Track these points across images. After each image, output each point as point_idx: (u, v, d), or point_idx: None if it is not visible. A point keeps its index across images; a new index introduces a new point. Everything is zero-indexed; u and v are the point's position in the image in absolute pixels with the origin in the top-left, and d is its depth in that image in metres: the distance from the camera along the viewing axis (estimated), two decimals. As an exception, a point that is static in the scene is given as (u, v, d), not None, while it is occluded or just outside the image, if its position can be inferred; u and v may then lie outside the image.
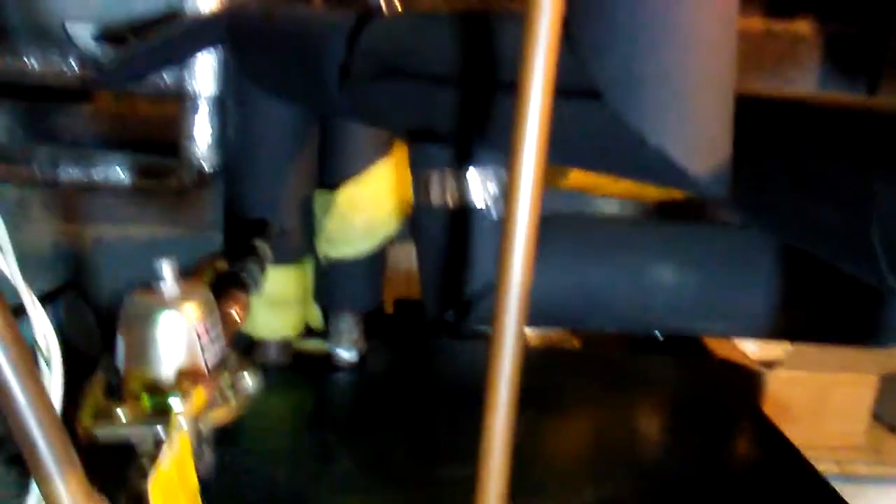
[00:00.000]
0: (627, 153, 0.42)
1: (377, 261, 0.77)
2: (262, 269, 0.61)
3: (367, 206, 0.73)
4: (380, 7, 0.60)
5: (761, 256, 0.54)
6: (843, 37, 1.33)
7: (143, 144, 0.86)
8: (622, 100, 0.41)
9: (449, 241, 0.53)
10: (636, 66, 0.41)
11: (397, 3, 0.60)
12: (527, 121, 0.38)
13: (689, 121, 0.41)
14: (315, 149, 0.73)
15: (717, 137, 0.42)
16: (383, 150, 0.72)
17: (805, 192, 0.41)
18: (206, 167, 0.72)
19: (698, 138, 0.41)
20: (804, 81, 1.36)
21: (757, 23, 1.33)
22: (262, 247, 0.65)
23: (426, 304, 0.55)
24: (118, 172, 0.72)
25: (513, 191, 0.36)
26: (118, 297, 1.30)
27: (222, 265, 0.63)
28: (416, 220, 0.55)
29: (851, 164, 0.37)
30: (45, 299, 1.24)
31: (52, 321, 1.16)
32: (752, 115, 0.47)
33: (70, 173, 0.71)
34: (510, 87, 0.47)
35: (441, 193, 0.52)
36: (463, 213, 0.52)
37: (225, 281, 0.58)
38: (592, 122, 0.43)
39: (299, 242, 0.75)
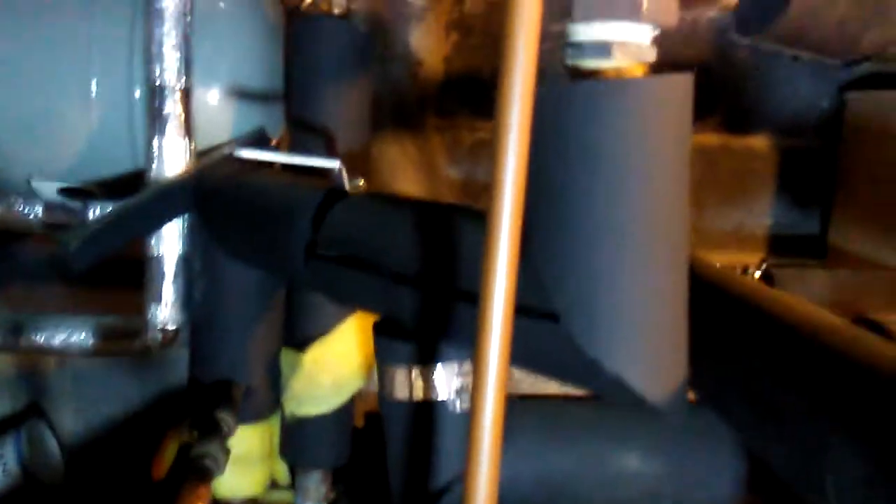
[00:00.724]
0: (585, 373, 0.43)
1: (345, 416, 0.76)
2: (225, 451, 0.60)
3: (335, 366, 0.73)
4: (343, 184, 0.61)
5: (725, 440, 0.55)
6: (797, 151, 1.38)
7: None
8: (579, 326, 0.42)
9: (414, 433, 0.53)
10: (593, 294, 0.42)
11: (362, 183, 0.62)
12: (489, 335, 0.39)
13: (645, 348, 0.42)
14: (282, 307, 0.73)
15: (674, 362, 0.43)
16: (349, 308, 0.73)
17: (763, 417, 0.42)
18: (171, 328, 0.72)
19: (656, 364, 0.42)
20: (760, 196, 1.40)
21: (713, 138, 1.37)
22: (226, 419, 0.64)
23: (393, 494, 0.54)
24: (81, 336, 0.71)
25: (478, 392, 0.35)
26: (83, 421, 1.26)
27: (186, 438, 0.62)
28: (382, 411, 0.55)
29: (810, 406, 0.38)
30: (8, 423, 1.21)
31: (14, 452, 1.13)
32: (716, 314, 0.48)
33: (31, 340, 0.70)
34: (471, 295, 0.48)
35: (407, 388, 0.52)
36: (428, 407, 0.52)
37: (187, 467, 0.57)
38: (550, 341, 0.43)
39: (266, 400, 0.74)
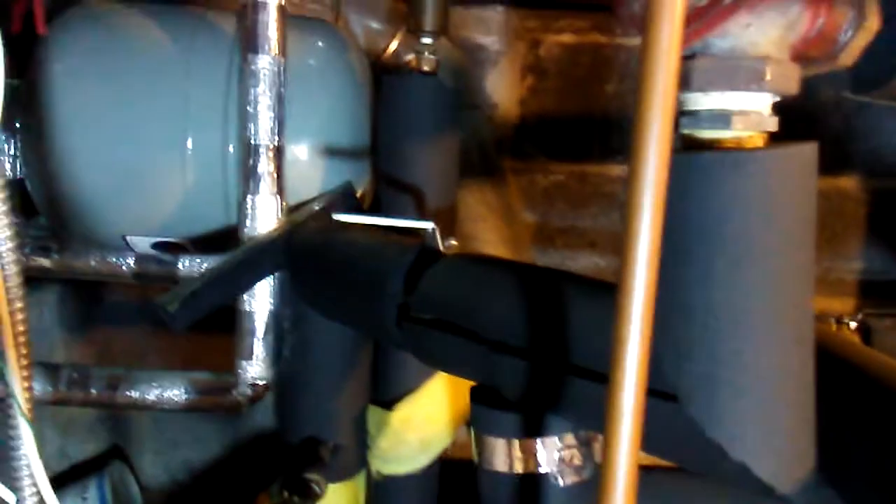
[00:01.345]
0: (708, 458, 0.41)
1: (431, 474, 0.75)
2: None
3: (422, 425, 0.72)
4: (436, 245, 0.60)
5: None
6: (888, 192, 1.32)
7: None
8: (701, 410, 0.40)
9: (514, 506, 0.51)
10: (715, 377, 0.40)
11: (454, 243, 0.61)
12: (621, 413, 0.37)
13: (770, 433, 0.40)
14: (368, 364, 0.73)
15: (801, 446, 0.40)
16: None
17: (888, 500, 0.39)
18: (261, 384, 0.72)
19: (782, 450, 0.40)
20: (850, 239, 1.34)
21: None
22: (317, 480, 0.64)
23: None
24: (175, 393, 0.72)
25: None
26: (161, 464, 1.27)
27: (278, 499, 0.62)
28: (479, 479, 0.53)
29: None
30: (91, 466, 1.23)
31: (98, 496, 1.13)
32: (842, 388, 0.46)
33: (127, 396, 0.71)
34: (579, 369, 0.47)
35: (507, 460, 0.51)
36: (529, 480, 0.51)
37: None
38: (672, 424, 0.41)
39: (352, 458, 0.74)
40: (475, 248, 1.00)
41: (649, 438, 0.44)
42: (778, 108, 0.42)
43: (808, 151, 0.40)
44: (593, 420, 0.48)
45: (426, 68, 0.71)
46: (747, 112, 0.40)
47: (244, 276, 0.69)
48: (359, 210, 0.77)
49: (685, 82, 0.40)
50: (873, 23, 0.48)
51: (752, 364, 0.39)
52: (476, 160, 1.11)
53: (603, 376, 0.45)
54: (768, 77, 0.39)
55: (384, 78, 0.73)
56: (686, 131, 0.42)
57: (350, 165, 0.77)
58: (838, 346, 0.49)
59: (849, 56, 0.48)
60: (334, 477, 0.71)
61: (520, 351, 0.48)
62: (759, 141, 0.41)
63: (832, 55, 0.48)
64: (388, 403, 0.72)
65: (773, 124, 0.41)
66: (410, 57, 0.75)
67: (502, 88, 1.31)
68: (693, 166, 0.40)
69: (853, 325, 1.04)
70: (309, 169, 0.76)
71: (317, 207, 0.72)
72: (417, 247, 0.60)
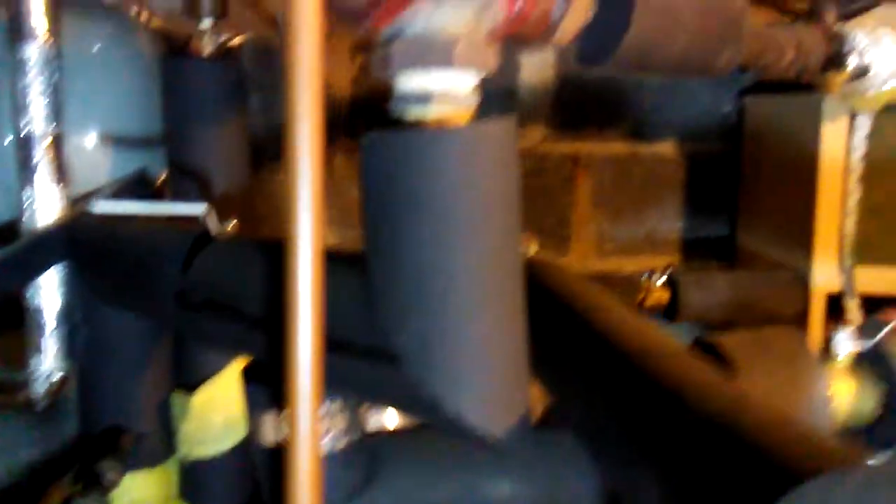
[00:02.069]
0: (428, 411, 0.44)
1: (241, 455, 0.76)
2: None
3: (225, 406, 0.72)
4: (209, 228, 0.61)
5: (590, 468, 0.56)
6: (702, 156, 1.42)
7: None
8: (418, 367, 0.43)
9: (283, 478, 0.53)
10: (429, 337, 0.42)
11: (231, 225, 0.62)
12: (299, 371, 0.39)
13: (482, 386, 0.43)
14: (169, 351, 0.73)
15: (514, 396, 0.44)
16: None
17: (592, 439, 0.43)
18: (55, 379, 0.71)
19: (494, 401, 0.43)
20: (670, 201, 1.43)
21: (622, 147, 1.41)
22: (109, 470, 0.64)
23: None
24: (-39, 393, 0.70)
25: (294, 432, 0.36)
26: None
27: (68, 491, 0.62)
28: (256, 458, 0.55)
29: (620, 430, 0.39)
30: None
31: None
32: (564, 333, 0.50)
33: None
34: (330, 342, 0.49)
35: (274, 433, 0.52)
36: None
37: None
38: (394, 380, 0.44)
39: (160, 445, 0.74)
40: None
41: (377, 395, 0.47)
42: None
43: (504, 126, 0.43)
44: (348, 388, 0.50)
45: (206, 52, 0.71)
46: (446, 92, 0.43)
47: (22, 269, 0.67)
48: (155, 197, 0.76)
49: (386, 65, 0.43)
50: (583, 3, 0.52)
51: (462, 322, 0.43)
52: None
53: (351, 346, 0.48)
54: (458, 56, 0.41)
55: (163, 63, 0.73)
56: (397, 113, 0.44)
57: (142, 153, 0.77)
58: (566, 288, 0.54)
59: (564, 35, 0.52)
60: (142, 464, 0.71)
61: (268, 323, 0.50)
62: (463, 118, 0.44)
63: (547, 35, 0.51)
64: (192, 387, 0.73)
65: (473, 101, 0.44)
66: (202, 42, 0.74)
67: (333, 68, 1.31)
68: (397, 144, 0.42)
69: (660, 281, 1.11)
70: (96, 157, 0.75)
71: (105, 196, 0.72)
72: (194, 232, 0.61)
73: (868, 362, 0.68)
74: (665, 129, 1.42)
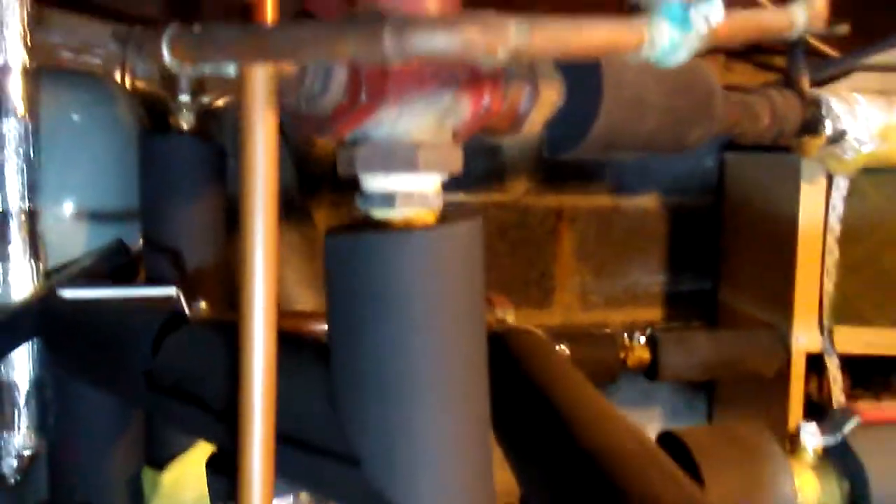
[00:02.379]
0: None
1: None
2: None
3: (196, 483, 0.72)
4: (183, 309, 0.61)
5: None
6: (685, 209, 1.43)
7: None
8: (378, 472, 0.42)
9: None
10: (390, 441, 0.42)
11: (203, 306, 0.62)
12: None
13: (444, 491, 0.43)
14: (140, 426, 0.72)
15: (478, 500, 0.44)
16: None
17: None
18: (26, 454, 0.70)
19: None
20: (653, 253, 1.44)
21: (605, 200, 1.42)
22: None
23: None
24: (-72, 471, 0.69)
25: None
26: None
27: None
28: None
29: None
30: None
31: None
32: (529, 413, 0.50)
33: None
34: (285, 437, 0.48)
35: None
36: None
37: None
38: (354, 484, 0.44)
39: (129, 521, 0.73)
40: (280, 290, 1.00)
41: (341, 495, 0.46)
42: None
43: (469, 227, 0.44)
44: (309, 485, 0.50)
45: (185, 127, 0.71)
46: (411, 193, 0.43)
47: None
48: (130, 268, 0.76)
49: (351, 166, 0.43)
50: (551, 95, 0.52)
51: (424, 429, 0.42)
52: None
53: (313, 442, 0.47)
54: (420, 163, 0.42)
55: (141, 138, 0.73)
56: (363, 211, 0.44)
57: (119, 223, 0.77)
58: (539, 374, 0.54)
59: (532, 125, 0.52)
60: (111, 541, 0.70)
61: (229, 415, 0.50)
62: (429, 218, 0.44)
63: (516, 127, 0.52)
64: (163, 464, 0.72)
65: (438, 202, 0.44)
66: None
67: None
68: (360, 245, 0.42)
69: (642, 339, 1.11)
70: (71, 229, 0.75)
71: (80, 268, 0.71)
72: (164, 313, 0.60)
73: (834, 458, 0.68)
74: (647, 182, 1.43)
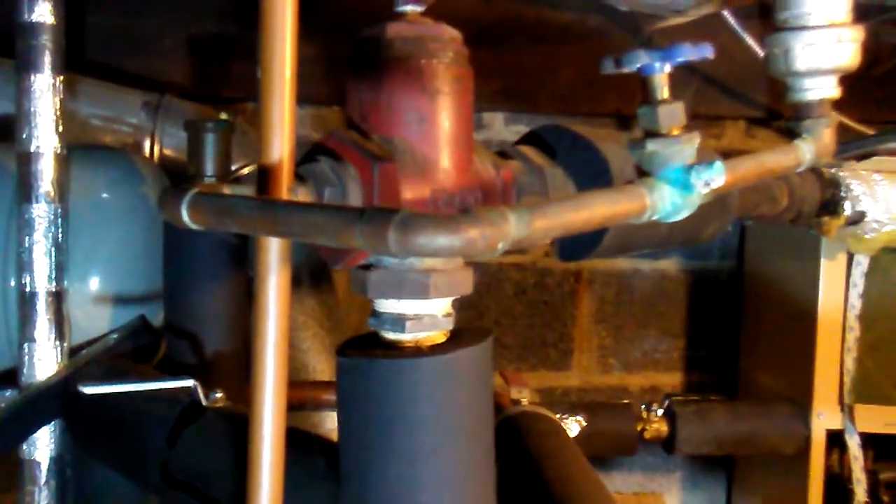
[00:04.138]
0: None
1: None
2: None
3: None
4: (200, 399, 0.62)
5: None
6: (705, 274, 1.43)
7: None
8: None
9: None
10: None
11: (220, 395, 0.63)
12: None
13: None
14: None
15: None
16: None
17: None
18: (45, 531, 0.71)
19: None
20: (673, 317, 1.43)
21: (625, 263, 1.42)
22: None
23: None
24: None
25: None
26: None
27: None
28: None
29: None
30: None
31: None
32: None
33: None
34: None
35: None
36: None
37: None
38: None
39: None
40: (297, 357, 1.01)
41: None
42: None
43: (477, 351, 0.44)
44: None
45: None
46: (421, 316, 0.44)
47: (20, 426, 0.68)
48: (153, 344, 0.78)
49: (363, 290, 0.44)
50: (563, 208, 0.53)
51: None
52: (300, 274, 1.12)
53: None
54: (431, 291, 0.43)
55: (165, 223, 0.75)
56: (376, 330, 0.45)
57: (144, 301, 0.78)
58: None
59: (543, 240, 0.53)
60: None
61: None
62: (440, 339, 0.45)
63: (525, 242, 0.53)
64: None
65: (449, 324, 0.45)
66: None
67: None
68: (370, 368, 0.43)
69: (660, 412, 1.11)
70: (96, 307, 0.76)
71: (104, 346, 0.73)
72: (182, 403, 0.62)
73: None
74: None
